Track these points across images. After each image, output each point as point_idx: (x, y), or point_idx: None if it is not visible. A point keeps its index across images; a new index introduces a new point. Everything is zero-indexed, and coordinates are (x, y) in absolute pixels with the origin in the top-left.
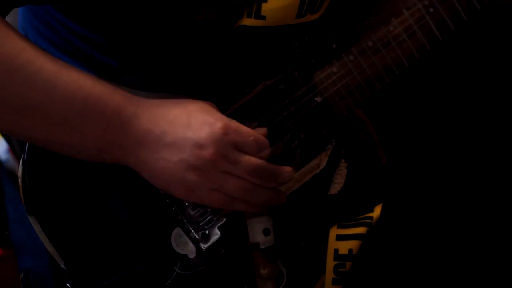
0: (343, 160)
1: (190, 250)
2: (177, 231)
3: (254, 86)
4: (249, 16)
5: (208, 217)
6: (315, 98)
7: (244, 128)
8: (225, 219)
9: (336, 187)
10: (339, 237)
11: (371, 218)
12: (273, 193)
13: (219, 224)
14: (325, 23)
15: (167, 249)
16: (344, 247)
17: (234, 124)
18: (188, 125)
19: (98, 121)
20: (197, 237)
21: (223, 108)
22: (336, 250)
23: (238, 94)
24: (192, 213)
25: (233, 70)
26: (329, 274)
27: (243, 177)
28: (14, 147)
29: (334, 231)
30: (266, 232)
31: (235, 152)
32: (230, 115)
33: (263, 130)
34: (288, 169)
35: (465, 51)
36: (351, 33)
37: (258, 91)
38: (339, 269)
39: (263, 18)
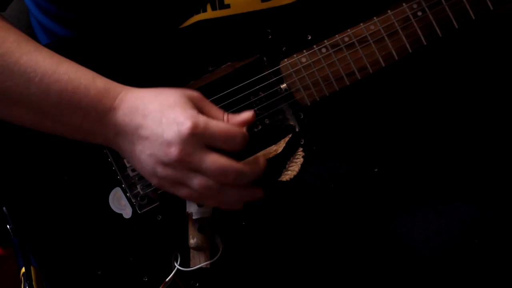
0: (300, 149)
1: (126, 210)
2: (116, 190)
3: (218, 66)
4: (214, 9)
5: (146, 181)
6: (281, 85)
7: (214, 125)
8: None
9: (288, 174)
10: None
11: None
12: (244, 191)
13: (159, 191)
14: (303, 13)
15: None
16: None
17: (204, 121)
18: (160, 122)
19: (73, 114)
20: (133, 199)
21: (183, 82)
22: None
23: (200, 71)
24: (131, 174)
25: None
26: None
27: (209, 176)
28: None
29: None
30: None
31: (202, 151)
32: None
33: (249, 113)
34: (259, 162)
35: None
36: (329, 27)
37: (226, 72)
38: None
39: (228, 6)
